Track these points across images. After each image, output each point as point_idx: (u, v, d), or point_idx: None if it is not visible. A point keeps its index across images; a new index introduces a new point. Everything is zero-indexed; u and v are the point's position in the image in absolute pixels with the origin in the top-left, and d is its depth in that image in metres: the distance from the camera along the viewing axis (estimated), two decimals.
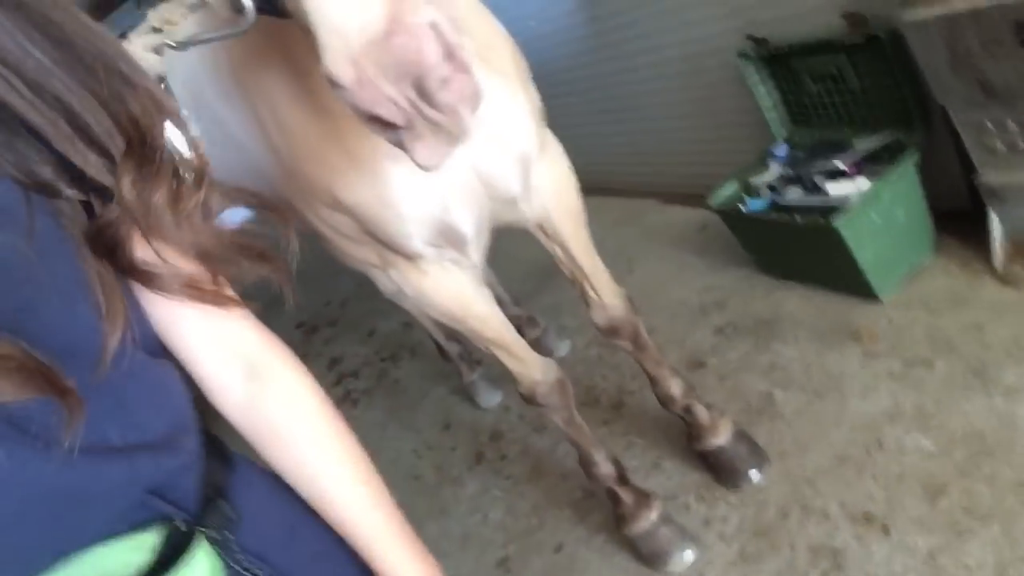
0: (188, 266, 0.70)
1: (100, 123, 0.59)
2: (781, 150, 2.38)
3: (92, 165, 0.60)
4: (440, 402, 2.99)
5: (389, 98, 0.71)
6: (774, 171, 2.32)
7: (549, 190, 1.49)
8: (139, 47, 0.80)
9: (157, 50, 0.85)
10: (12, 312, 0.53)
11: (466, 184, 1.32)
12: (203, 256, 0.70)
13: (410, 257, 1.39)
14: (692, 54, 2.67)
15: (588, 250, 1.62)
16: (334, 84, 0.72)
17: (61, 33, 0.58)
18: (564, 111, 3.34)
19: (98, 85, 0.59)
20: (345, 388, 3.60)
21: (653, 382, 1.84)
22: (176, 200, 0.64)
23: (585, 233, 1.60)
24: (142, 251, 0.65)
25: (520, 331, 2.74)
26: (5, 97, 0.55)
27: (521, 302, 2.90)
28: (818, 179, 2.10)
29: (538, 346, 2.73)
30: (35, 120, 0.57)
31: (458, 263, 1.44)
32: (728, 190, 2.42)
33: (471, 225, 1.36)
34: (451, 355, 2.76)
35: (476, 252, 1.44)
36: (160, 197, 0.63)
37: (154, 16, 0.83)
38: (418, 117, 0.73)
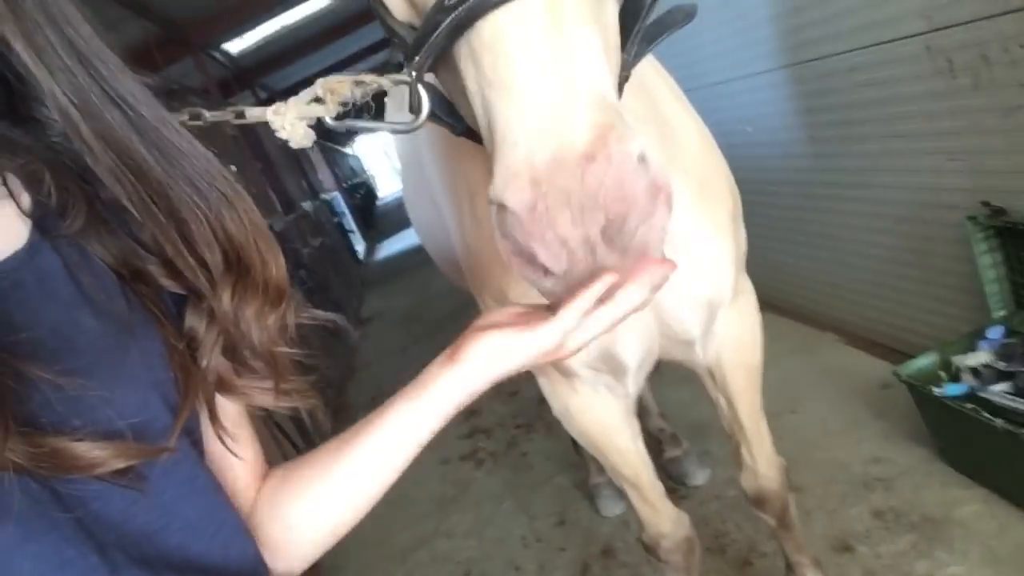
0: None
1: (202, 235, 0.63)
2: (995, 333, 2.12)
3: (190, 269, 0.64)
4: (561, 492, 2.89)
5: (561, 238, 0.59)
6: (982, 355, 2.07)
7: (730, 341, 1.39)
8: (292, 114, 0.78)
9: (310, 121, 0.81)
10: (92, 391, 0.55)
11: (641, 318, 1.25)
12: (265, 364, 0.72)
13: (565, 373, 1.33)
14: (914, 202, 2.45)
15: (755, 411, 1.50)
16: (500, 205, 0.61)
17: (175, 151, 0.63)
18: (761, 219, 3.18)
19: (203, 202, 0.63)
20: (474, 445, 3.59)
21: (789, 567, 1.67)
22: (262, 315, 0.68)
23: (757, 393, 1.48)
24: (215, 357, 0.68)
25: (659, 447, 2.64)
26: (126, 200, 0.60)
27: (667, 415, 2.76)
28: None
29: (675, 466, 2.59)
30: (148, 223, 0.62)
31: (612, 389, 1.37)
32: (924, 362, 2.18)
33: (635, 358, 1.29)
34: (583, 450, 2.67)
35: (633, 384, 1.37)
36: (251, 311, 0.67)
37: (321, 84, 0.79)
38: (588, 269, 0.62)
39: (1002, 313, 2.18)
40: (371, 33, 9.07)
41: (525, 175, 0.58)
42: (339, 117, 0.78)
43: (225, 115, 0.76)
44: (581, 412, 1.38)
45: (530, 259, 0.62)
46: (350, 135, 21.24)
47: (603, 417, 1.38)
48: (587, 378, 1.32)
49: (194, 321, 0.66)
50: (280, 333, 0.70)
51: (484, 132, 0.67)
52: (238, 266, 0.66)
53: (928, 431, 2.20)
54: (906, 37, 2.24)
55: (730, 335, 1.37)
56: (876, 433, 2.44)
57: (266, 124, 0.76)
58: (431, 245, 1.86)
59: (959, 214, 2.22)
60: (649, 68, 1.26)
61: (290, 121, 0.75)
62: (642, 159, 0.59)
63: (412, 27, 0.75)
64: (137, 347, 0.60)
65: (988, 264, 2.18)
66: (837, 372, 2.87)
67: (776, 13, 2.77)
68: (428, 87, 0.76)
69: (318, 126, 0.79)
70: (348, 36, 8.91)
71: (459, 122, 0.83)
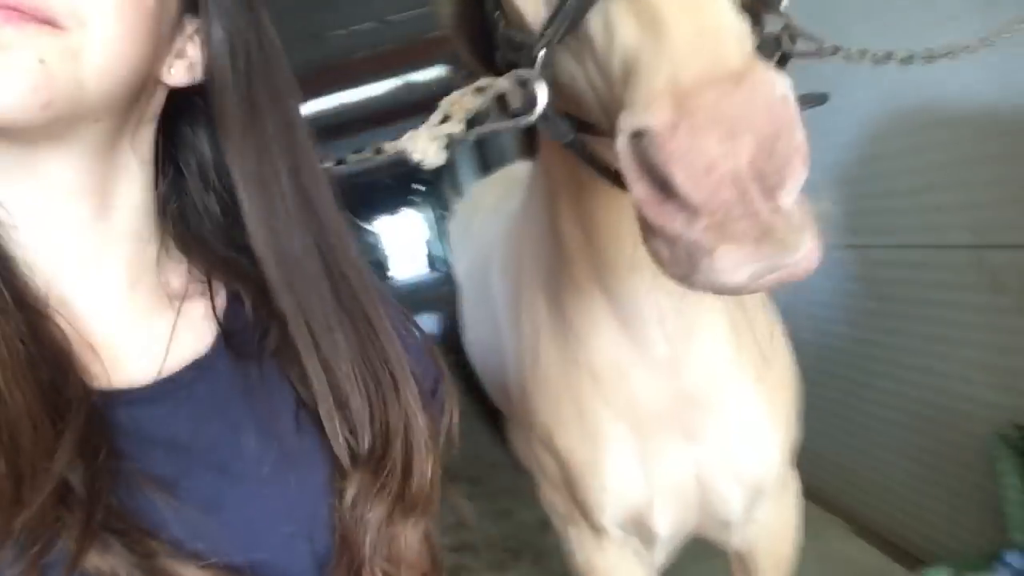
0: None
1: (361, 419, 0.63)
2: (1015, 559, 2.08)
3: (339, 446, 0.63)
4: None
5: (707, 161, 0.52)
6: None
7: (769, 532, 1.37)
8: (424, 138, 0.78)
9: (443, 141, 0.80)
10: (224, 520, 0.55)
11: (682, 490, 1.25)
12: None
13: (595, 527, 1.32)
14: (944, 407, 2.46)
15: None
16: (635, 133, 0.55)
17: (367, 328, 0.63)
18: None
19: (374, 384, 0.63)
20: (459, 560, 3.49)
21: None
22: (390, 522, 0.64)
23: None
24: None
25: None
26: (302, 356, 0.61)
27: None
28: None
29: None
30: (315, 386, 0.61)
31: (639, 555, 1.35)
32: (937, 574, 2.13)
33: (668, 529, 1.28)
34: None
35: (662, 554, 1.35)
36: (374, 516, 0.63)
37: (445, 102, 0.80)
38: (738, 203, 0.53)
39: (1021, 538, 2.14)
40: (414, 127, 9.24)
41: (668, 94, 0.54)
42: (470, 125, 0.79)
43: (365, 154, 0.78)
44: (605, 572, 1.35)
45: (666, 197, 0.56)
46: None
47: None
48: (616, 538, 1.30)
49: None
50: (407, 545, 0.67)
51: (615, 93, 0.63)
52: (380, 461, 0.64)
53: None
54: (954, 247, 2.31)
55: (769, 526, 1.36)
56: None
57: None
58: (483, 365, 1.87)
59: (987, 428, 2.22)
60: None
61: (423, 144, 0.76)
62: (793, 99, 0.54)
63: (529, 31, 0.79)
64: (296, 476, 0.60)
65: (1011, 485, 2.16)
66: (842, 562, 2.80)
67: (832, 195, 2.85)
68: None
69: None
70: (391, 125, 9.15)
71: (565, 132, 0.83)
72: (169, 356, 0.60)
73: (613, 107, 0.64)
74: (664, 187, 0.56)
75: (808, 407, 3.20)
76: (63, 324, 0.55)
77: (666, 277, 0.62)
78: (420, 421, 0.66)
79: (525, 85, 0.76)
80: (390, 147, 0.77)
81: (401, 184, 19.52)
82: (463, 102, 0.78)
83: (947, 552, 2.32)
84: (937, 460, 2.53)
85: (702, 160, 0.52)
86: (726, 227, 0.54)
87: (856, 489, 3.01)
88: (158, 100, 0.62)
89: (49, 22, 0.48)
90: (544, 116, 0.76)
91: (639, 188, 0.57)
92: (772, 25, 0.77)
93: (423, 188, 19.72)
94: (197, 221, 0.68)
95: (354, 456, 0.63)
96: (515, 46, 0.80)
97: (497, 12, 0.88)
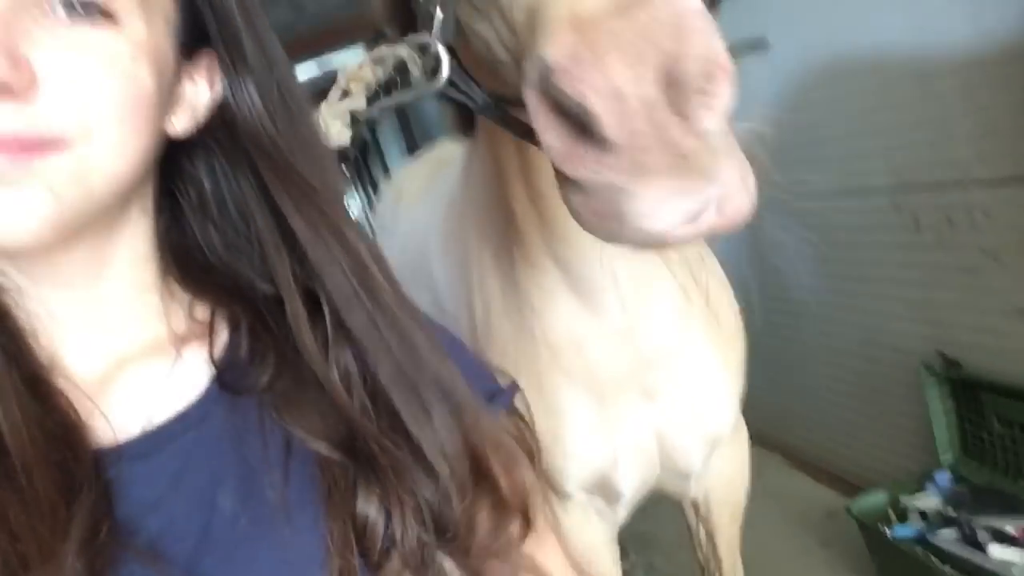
0: None
1: (453, 441, 0.61)
2: (943, 479, 2.22)
3: (436, 457, 0.60)
4: None
5: (616, 88, 0.46)
6: (930, 500, 2.16)
7: (722, 476, 1.43)
8: (325, 116, 0.76)
9: (345, 117, 0.78)
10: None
11: (644, 446, 1.27)
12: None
13: (559, 494, 1.34)
14: (872, 342, 2.58)
15: (734, 546, 1.54)
16: (540, 69, 0.50)
17: (427, 363, 0.62)
18: None
19: (454, 412, 0.62)
20: None
21: None
22: (495, 535, 0.64)
23: (738, 529, 1.52)
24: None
25: None
26: (389, 388, 0.60)
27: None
28: (981, 534, 1.93)
29: None
30: (408, 418, 0.60)
31: (602, 515, 1.38)
32: (873, 499, 2.27)
33: (632, 487, 1.31)
34: None
35: (624, 510, 1.39)
36: (487, 522, 0.63)
37: (343, 77, 0.78)
38: (650, 132, 0.47)
39: (949, 458, 2.29)
40: None
41: (567, 25, 0.49)
42: (369, 102, 0.76)
43: None
44: (570, 534, 1.39)
45: (578, 137, 0.50)
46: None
47: (591, 541, 1.39)
48: (580, 501, 1.33)
49: (370, 509, 0.59)
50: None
51: (522, 42, 0.59)
52: (488, 480, 0.63)
53: (875, 568, 2.26)
54: (875, 189, 2.41)
55: (723, 472, 1.41)
56: (822, 562, 2.49)
57: None
58: None
59: (914, 359, 2.35)
60: None
61: (324, 122, 0.73)
62: (704, 12, 0.49)
63: None
64: (277, 537, 0.56)
65: (939, 411, 2.30)
66: (781, 496, 2.93)
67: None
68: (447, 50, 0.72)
69: None
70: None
71: (478, 96, 0.78)
72: (164, 403, 0.59)
73: (522, 59, 0.58)
74: (576, 131, 0.50)
75: (750, 365, 3.31)
76: (66, 388, 0.55)
77: (594, 235, 0.56)
78: (495, 431, 0.66)
79: (427, 50, 0.71)
80: None
81: None
82: (362, 74, 0.75)
83: (882, 478, 2.46)
84: (869, 392, 2.66)
85: (611, 86, 0.47)
86: (641, 162, 0.48)
87: (793, 426, 3.15)
88: (160, 149, 0.62)
89: (55, 144, 0.49)
90: (451, 82, 0.71)
91: (550, 136, 0.52)
92: None
93: (346, 174, 19.36)
94: (197, 252, 0.68)
95: (456, 478, 0.61)
96: (429, 15, 0.74)
97: None
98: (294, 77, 0.64)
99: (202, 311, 0.66)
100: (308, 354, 0.60)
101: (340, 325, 0.60)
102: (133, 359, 0.60)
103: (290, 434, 0.59)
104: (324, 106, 0.76)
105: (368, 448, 0.59)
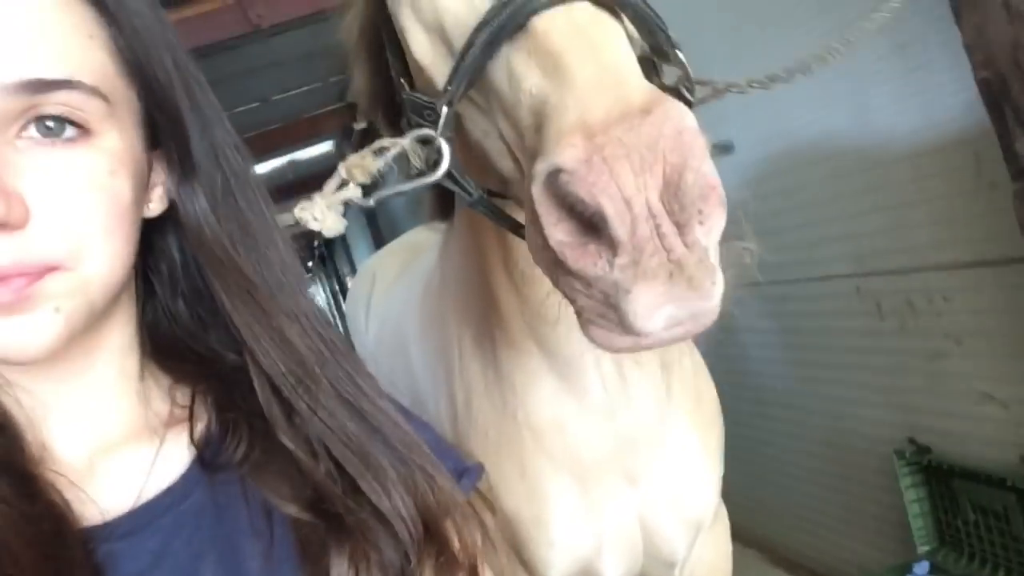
0: None
1: (402, 501, 0.63)
2: (921, 568, 2.17)
3: (398, 520, 0.63)
4: None
5: (623, 192, 0.52)
6: None
7: (705, 565, 1.37)
8: (320, 206, 0.75)
9: (341, 207, 0.77)
10: None
11: (628, 534, 1.22)
12: None
13: None
14: (842, 430, 2.57)
15: None
16: (550, 174, 0.55)
17: (382, 429, 0.66)
18: None
19: (408, 475, 0.65)
20: None
21: None
22: None
23: None
24: None
25: None
26: (333, 455, 0.63)
27: None
28: None
29: None
30: (364, 484, 0.62)
31: None
32: None
33: (617, 575, 1.25)
34: None
35: None
36: None
37: (343, 167, 0.77)
38: (653, 238, 0.53)
39: (927, 548, 2.24)
40: None
41: (579, 132, 0.54)
42: (366, 193, 0.77)
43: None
44: None
45: (585, 236, 0.56)
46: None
47: None
48: None
49: (341, 567, 0.61)
50: None
51: (528, 143, 0.64)
52: (437, 539, 0.64)
53: None
54: (837, 277, 2.45)
55: (705, 560, 1.36)
56: None
57: None
58: None
59: (885, 446, 2.33)
60: None
61: (320, 211, 0.73)
62: (700, 136, 0.55)
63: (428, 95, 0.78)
64: None
65: (913, 499, 2.27)
66: None
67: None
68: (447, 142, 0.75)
69: None
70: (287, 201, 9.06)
71: (473, 191, 0.83)
72: (148, 485, 0.61)
73: (526, 157, 0.64)
74: (582, 229, 0.56)
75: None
76: (55, 476, 0.57)
77: (584, 332, 0.62)
78: (457, 497, 0.68)
79: (427, 144, 0.75)
80: (284, 218, 0.75)
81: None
82: (363, 164, 0.77)
83: (858, 570, 2.40)
84: (841, 482, 2.63)
85: (619, 191, 0.52)
86: (640, 264, 0.53)
87: (768, 520, 3.09)
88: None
89: (53, 267, 0.52)
90: (448, 174, 0.75)
91: (558, 231, 0.57)
92: (669, 76, 0.79)
93: (312, 266, 19.60)
94: (167, 327, 0.70)
95: (412, 537, 0.63)
96: (420, 108, 0.80)
97: (400, 79, 0.89)
98: (248, 174, 0.66)
99: (182, 396, 0.67)
100: (275, 424, 0.63)
101: (291, 405, 0.63)
102: (118, 444, 0.63)
103: (268, 501, 0.62)
104: (318, 196, 0.77)
105: (334, 509, 0.61)
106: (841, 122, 2.21)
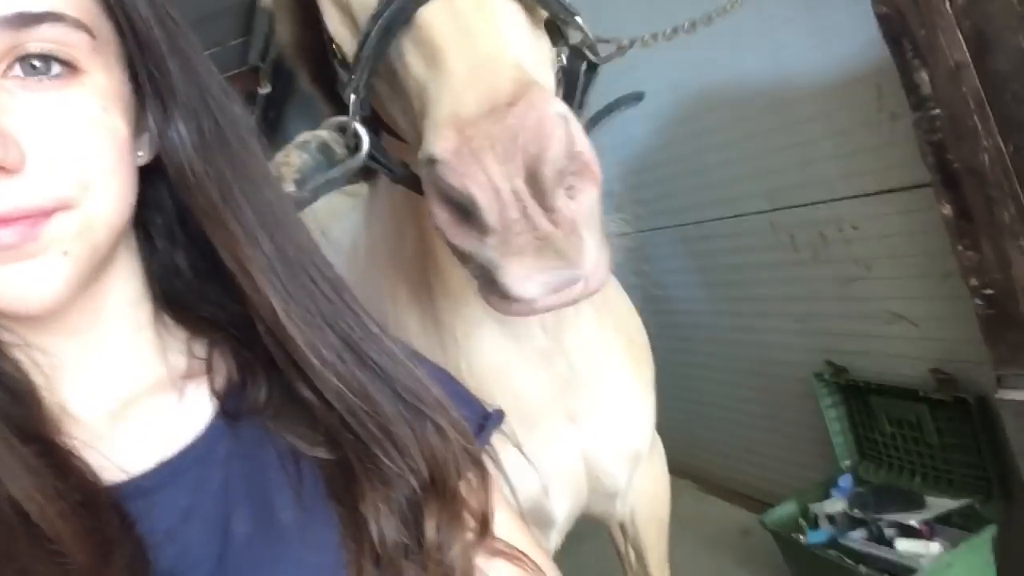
0: None
1: (412, 453, 0.62)
2: (845, 481, 2.31)
3: (401, 471, 0.62)
4: None
5: (490, 180, 0.57)
6: (836, 504, 2.24)
7: (645, 494, 1.44)
8: None
9: None
10: None
11: (573, 471, 1.28)
12: None
13: None
14: (764, 359, 2.70)
15: (663, 563, 1.54)
16: (429, 160, 0.60)
17: (390, 376, 0.64)
18: None
19: (415, 422, 0.63)
20: None
21: None
22: (468, 550, 0.65)
23: (665, 546, 1.53)
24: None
25: None
26: (344, 404, 0.61)
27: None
28: (888, 532, 2.01)
29: None
30: (363, 432, 0.61)
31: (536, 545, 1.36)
32: (785, 510, 2.34)
33: (564, 512, 1.30)
34: None
35: (556, 538, 1.37)
36: (459, 546, 0.64)
37: (272, 168, 0.79)
38: (520, 219, 0.59)
39: (848, 463, 2.39)
40: None
41: (450, 125, 0.59)
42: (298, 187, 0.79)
43: None
44: None
45: (463, 217, 0.61)
46: None
47: None
48: None
49: (366, 510, 0.60)
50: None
51: (418, 127, 0.68)
52: (444, 493, 0.63)
53: None
54: (752, 213, 2.54)
55: (645, 489, 1.42)
56: None
57: None
58: None
59: (805, 370, 2.46)
60: None
61: None
62: (564, 118, 0.60)
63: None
64: (293, 556, 0.58)
65: (833, 417, 2.40)
66: (696, 521, 2.98)
67: (638, 182, 3.04)
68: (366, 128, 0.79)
69: None
70: None
71: (396, 168, 0.87)
72: (171, 439, 0.60)
73: (418, 139, 0.68)
74: (461, 211, 0.61)
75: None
76: (77, 435, 0.56)
77: (482, 297, 0.68)
78: (471, 446, 0.67)
79: (346, 130, 0.79)
80: None
81: None
82: (289, 161, 0.80)
83: (789, 491, 2.54)
84: (767, 409, 2.76)
85: (488, 179, 0.57)
86: (510, 242, 0.59)
87: (701, 451, 3.23)
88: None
89: (58, 208, 0.51)
90: (371, 156, 0.79)
91: (438, 213, 0.62)
92: (574, 38, 0.84)
93: None
94: (174, 280, 0.68)
95: (419, 486, 0.62)
96: (342, 82, 0.83)
97: (333, 44, 0.88)
98: (237, 113, 0.63)
99: (199, 348, 0.67)
100: (286, 371, 0.61)
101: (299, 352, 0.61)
102: (138, 399, 0.62)
103: (294, 444, 0.61)
104: None
105: (347, 455, 0.61)
106: (749, 63, 2.27)
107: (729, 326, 2.83)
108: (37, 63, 0.51)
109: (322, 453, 0.61)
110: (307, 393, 0.61)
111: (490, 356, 1.15)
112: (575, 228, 0.60)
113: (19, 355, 0.57)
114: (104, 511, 0.52)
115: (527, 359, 1.16)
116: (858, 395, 2.32)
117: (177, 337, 0.67)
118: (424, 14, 0.68)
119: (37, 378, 0.57)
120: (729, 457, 3.07)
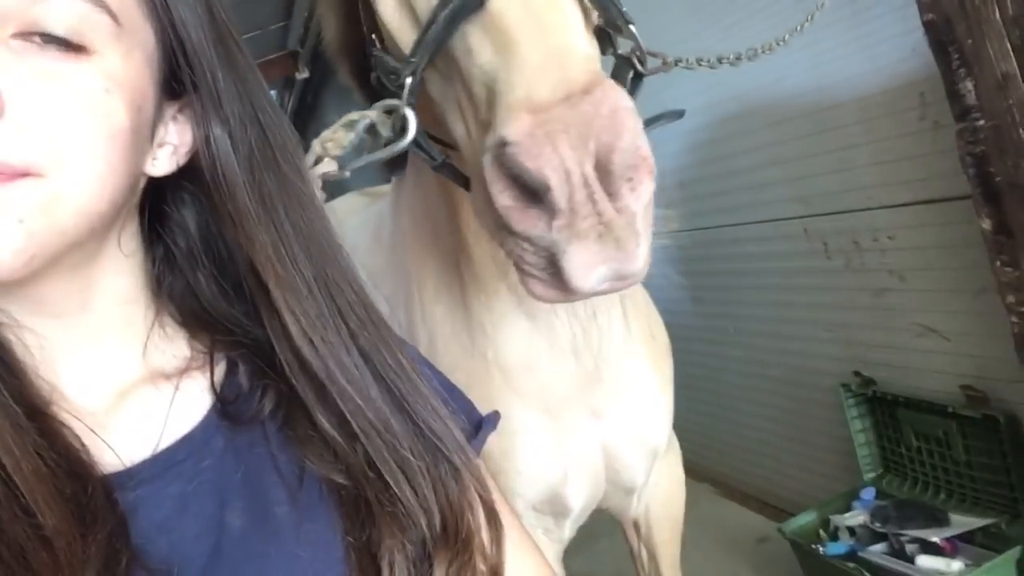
0: None
1: (426, 495, 0.62)
2: (868, 495, 2.29)
3: (414, 510, 0.61)
4: None
5: (563, 163, 0.58)
6: (858, 516, 2.22)
7: (660, 492, 1.45)
8: None
9: (316, 183, 0.80)
10: None
11: (592, 461, 1.29)
12: None
13: None
14: (791, 366, 2.67)
15: (676, 563, 1.55)
16: (499, 144, 0.61)
17: (414, 412, 0.64)
18: None
19: (432, 463, 0.63)
20: None
21: None
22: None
23: (678, 546, 1.53)
24: None
25: None
26: (365, 439, 0.61)
27: None
28: (910, 548, 1.99)
29: None
30: (381, 464, 0.61)
31: (549, 533, 1.37)
32: (805, 520, 2.31)
33: (581, 502, 1.31)
34: None
35: (571, 529, 1.38)
36: None
37: (317, 143, 0.80)
38: (587, 204, 0.60)
39: (872, 475, 2.36)
40: None
41: (525, 109, 0.61)
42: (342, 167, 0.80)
43: None
44: None
45: (528, 201, 0.62)
46: None
47: None
48: (528, 519, 1.32)
49: (373, 538, 0.59)
50: None
51: (480, 114, 0.70)
52: (456, 537, 0.62)
53: None
54: (785, 219, 2.51)
55: (660, 487, 1.43)
56: None
57: None
58: None
59: (832, 380, 2.43)
60: None
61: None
62: (634, 112, 0.62)
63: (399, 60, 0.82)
64: (287, 552, 0.57)
65: (859, 429, 2.38)
66: (714, 524, 2.96)
67: (669, 184, 3.03)
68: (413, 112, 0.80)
69: None
70: None
71: (438, 154, 0.89)
72: (165, 432, 0.60)
73: (478, 127, 0.70)
74: (527, 195, 0.62)
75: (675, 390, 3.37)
76: (69, 419, 0.55)
77: (522, 284, 0.69)
78: (480, 499, 0.66)
79: (393, 112, 0.79)
80: None
81: None
82: (335, 139, 0.81)
83: (810, 500, 2.51)
84: (791, 416, 2.73)
85: (560, 163, 0.58)
86: (575, 226, 0.60)
87: (721, 455, 3.20)
88: (141, 191, 0.62)
89: (24, 172, 0.48)
90: (415, 142, 0.80)
91: (504, 198, 0.63)
92: (623, 47, 0.85)
93: None
94: (190, 299, 0.68)
95: (430, 530, 0.61)
96: (388, 70, 0.84)
97: (373, 35, 0.90)
98: (284, 129, 0.63)
99: (200, 344, 0.66)
100: (306, 400, 0.61)
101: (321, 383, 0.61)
102: (134, 388, 0.61)
103: (300, 457, 0.61)
104: None
105: (368, 493, 0.60)
106: (790, 66, 2.24)
107: (757, 331, 2.80)
108: (38, 39, 0.50)
109: (337, 477, 0.60)
110: (326, 423, 0.61)
111: (518, 348, 1.17)
112: (635, 219, 0.62)
113: (8, 334, 0.57)
114: (88, 482, 0.52)
115: (555, 352, 1.17)
116: (885, 408, 2.29)
117: (176, 337, 0.66)
118: (496, 2, 0.69)
119: (26, 358, 0.57)
120: (750, 462, 3.04)
